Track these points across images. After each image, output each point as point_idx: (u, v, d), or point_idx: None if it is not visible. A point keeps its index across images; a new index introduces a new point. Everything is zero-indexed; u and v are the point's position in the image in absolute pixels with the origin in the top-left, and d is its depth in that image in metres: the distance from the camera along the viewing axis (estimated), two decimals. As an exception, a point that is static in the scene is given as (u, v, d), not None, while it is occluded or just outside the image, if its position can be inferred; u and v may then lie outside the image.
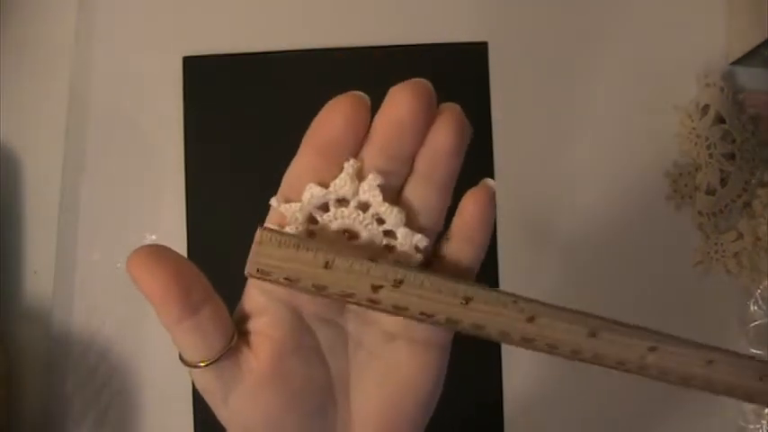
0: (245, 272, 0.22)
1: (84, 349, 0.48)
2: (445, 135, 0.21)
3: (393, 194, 0.22)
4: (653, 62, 0.49)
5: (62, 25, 0.49)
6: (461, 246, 0.23)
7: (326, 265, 0.21)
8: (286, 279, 0.22)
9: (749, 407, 0.48)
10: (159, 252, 0.22)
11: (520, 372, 0.48)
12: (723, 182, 0.48)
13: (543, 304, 0.23)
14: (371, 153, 0.21)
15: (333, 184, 0.21)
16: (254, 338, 0.24)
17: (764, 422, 0.47)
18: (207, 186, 0.49)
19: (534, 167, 0.49)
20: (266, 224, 0.23)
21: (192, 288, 0.22)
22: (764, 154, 0.49)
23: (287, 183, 0.23)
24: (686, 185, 0.48)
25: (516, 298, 0.22)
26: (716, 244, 0.48)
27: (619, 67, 0.49)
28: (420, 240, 0.22)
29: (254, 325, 0.24)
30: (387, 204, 0.21)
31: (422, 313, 0.22)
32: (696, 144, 0.48)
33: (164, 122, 0.49)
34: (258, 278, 0.22)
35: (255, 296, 0.24)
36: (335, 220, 0.22)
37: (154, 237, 0.49)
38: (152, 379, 0.48)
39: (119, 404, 0.48)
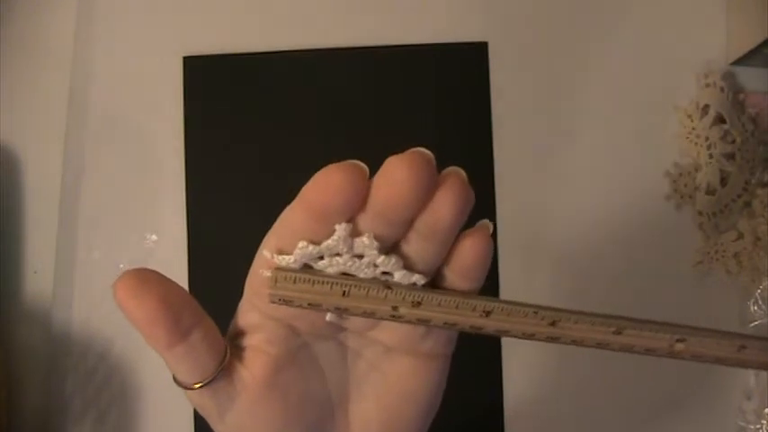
0: (269, 300, 0.22)
1: (84, 349, 0.48)
2: (447, 208, 0.20)
3: (389, 247, 0.22)
4: (653, 62, 0.49)
5: (62, 25, 0.49)
6: (459, 281, 0.22)
7: (344, 294, 0.22)
8: (309, 304, 0.22)
9: (749, 407, 0.48)
10: (146, 278, 0.21)
11: (520, 375, 0.48)
12: (723, 182, 0.48)
13: (565, 311, 0.23)
14: (368, 219, 0.21)
15: (325, 244, 0.21)
16: (248, 354, 0.24)
17: (764, 422, 0.47)
18: (207, 186, 0.48)
19: (534, 167, 0.49)
20: (257, 270, 0.23)
21: (180, 314, 0.22)
22: (764, 154, 0.49)
23: (279, 233, 0.22)
24: (686, 185, 0.48)
25: (537, 308, 0.22)
26: (716, 244, 0.48)
27: (619, 67, 0.49)
28: (418, 280, 0.22)
29: (249, 341, 0.24)
30: (383, 256, 0.21)
31: (445, 323, 0.23)
32: (696, 144, 0.48)
33: (164, 122, 0.49)
34: (282, 305, 0.22)
35: (250, 314, 0.24)
36: (331, 266, 0.22)
37: (154, 237, 0.49)
38: (152, 379, 0.48)
39: (119, 404, 0.48)
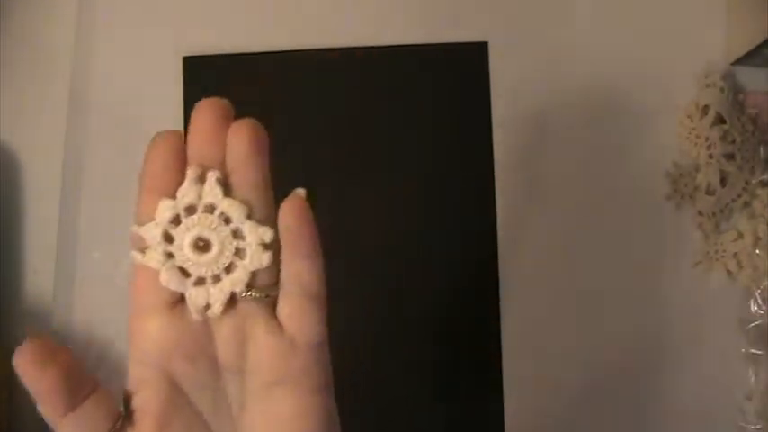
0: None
1: (84, 349, 0.48)
2: (240, 136, 0.23)
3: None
4: (653, 62, 0.49)
5: (62, 25, 0.49)
6: (299, 262, 0.24)
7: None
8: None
9: (749, 407, 0.48)
10: (50, 349, 0.23)
11: (520, 383, 0.48)
12: (723, 182, 0.48)
13: None
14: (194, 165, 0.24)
15: (179, 191, 0.24)
16: (137, 416, 0.25)
17: (765, 422, 0.47)
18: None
19: (534, 167, 0.49)
20: (133, 250, 0.24)
21: (78, 387, 0.24)
22: (764, 154, 0.49)
23: (139, 218, 0.25)
24: (686, 185, 0.48)
25: None
26: (716, 244, 0.48)
27: (619, 66, 0.49)
28: (265, 233, 0.23)
29: (136, 402, 0.25)
30: (228, 199, 0.23)
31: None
32: (696, 144, 0.48)
33: (164, 122, 0.49)
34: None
35: (136, 369, 0.25)
36: (188, 231, 0.23)
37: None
38: (152, 379, 0.48)
39: (119, 404, 0.48)
